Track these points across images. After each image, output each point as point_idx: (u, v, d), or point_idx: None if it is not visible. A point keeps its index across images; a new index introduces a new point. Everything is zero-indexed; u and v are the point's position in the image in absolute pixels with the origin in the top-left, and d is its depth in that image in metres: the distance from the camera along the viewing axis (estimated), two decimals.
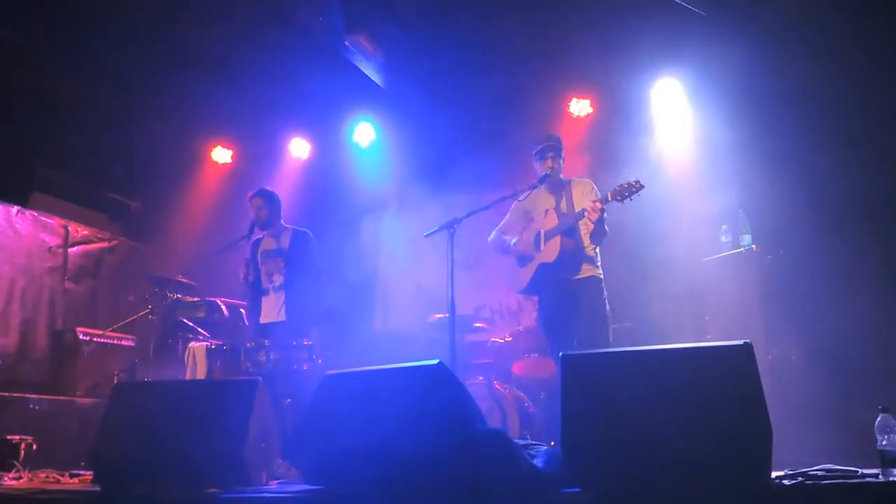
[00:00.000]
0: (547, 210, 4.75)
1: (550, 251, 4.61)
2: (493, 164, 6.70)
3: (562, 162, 4.80)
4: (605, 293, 4.60)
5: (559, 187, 4.78)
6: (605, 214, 4.46)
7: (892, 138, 5.12)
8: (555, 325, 4.67)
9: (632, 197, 4.21)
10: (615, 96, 6.86)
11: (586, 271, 4.59)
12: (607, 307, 4.58)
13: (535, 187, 4.77)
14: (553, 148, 4.75)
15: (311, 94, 7.21)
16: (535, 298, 6.42)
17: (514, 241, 4.90)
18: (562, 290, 4.60)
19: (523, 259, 4.84)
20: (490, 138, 7.27)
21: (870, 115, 5.20)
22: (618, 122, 6.67)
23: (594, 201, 4.38)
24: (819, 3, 5.41)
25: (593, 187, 4.72)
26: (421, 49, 6.71)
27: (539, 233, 4.73)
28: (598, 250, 4.67)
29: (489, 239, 5.12)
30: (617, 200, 4.26)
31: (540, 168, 4.77)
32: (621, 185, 4.24)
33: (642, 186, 4.17)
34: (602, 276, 4.63)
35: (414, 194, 7.70)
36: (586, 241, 4.60)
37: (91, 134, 7.14)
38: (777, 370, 4.82)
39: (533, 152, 4.84)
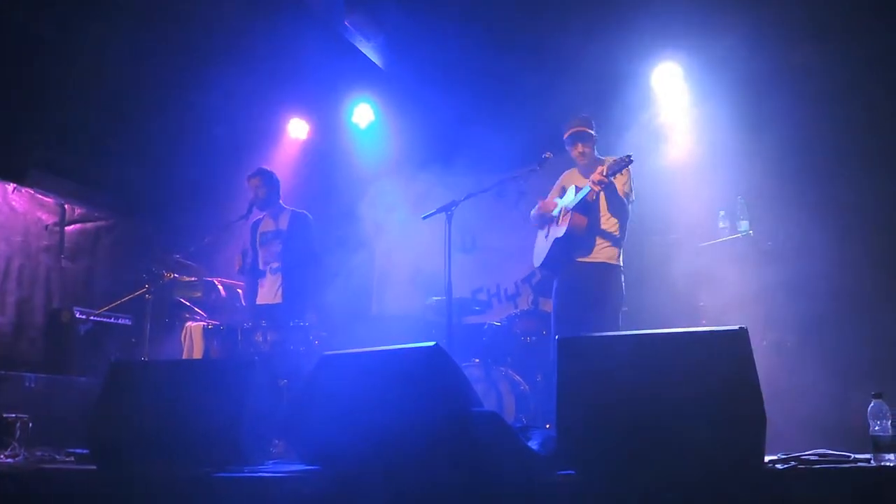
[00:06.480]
0: (575, 187, 4.73)
1: (562, 227, 4.61)
2: (492, 147, 6.66)
3: (591, 143, 4.78)
4: (623, 280, 4.60)
5: (592, 167, 4.68)
6: (621, 189, 4.54)
7: (892, 122, 5.10)
8: (565, 309, 4.67)
9: (622, 170, 4.34)
10: (614, 79, 6.80)
11: (600, 254, 4.58)
12: (622, 294, 4.59)
13: (534, 170, 4.76)
14: (576, 136, 4.74)
15: (310, 75, 7.16)
16: (534, 282, 6.47)
17: (533, 211, 4.99)
18: (576, 275, 4.60)
19: (543, 233, 4.89)
20: (490, 120, 7.22)
21: (871, 99, 5.18)
22: (616, 106, 6.63)
23: (595, 174, 4.41)
24: None
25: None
26: (421, 30, 6.66)
27: (560, 209, 4.74)
28: (619, 229, 4.64)
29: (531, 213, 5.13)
30: (610, 175, 4.32)
31: (570, 154, 4.80)
32: (614, 160, 4.36)
33: (632, 161, 4.29)
34: (619, 264, 4.62)
35: (412, 176, 7.68)
36: (604, 218, 4.60)
37: (89, 111, 7.09)
38: (772, 355, 4.83)
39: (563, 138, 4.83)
